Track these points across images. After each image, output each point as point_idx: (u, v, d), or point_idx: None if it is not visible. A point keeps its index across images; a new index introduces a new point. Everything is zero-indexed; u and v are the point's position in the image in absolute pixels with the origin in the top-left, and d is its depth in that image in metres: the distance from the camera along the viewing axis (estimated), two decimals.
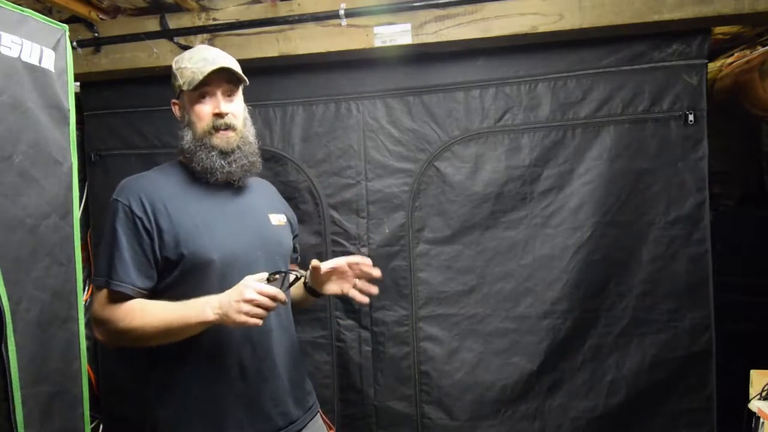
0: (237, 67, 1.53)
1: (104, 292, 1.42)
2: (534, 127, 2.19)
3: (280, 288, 1.34)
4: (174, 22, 2.26)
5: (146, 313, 1.38)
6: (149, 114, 2.49)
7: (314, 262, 1.51)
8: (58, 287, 1.68)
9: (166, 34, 2.26)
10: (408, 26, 2.09)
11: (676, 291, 2.09)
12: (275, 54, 2.20)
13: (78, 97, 2.36)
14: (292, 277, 1.47)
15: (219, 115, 1.47)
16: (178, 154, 1.57)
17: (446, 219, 2.25)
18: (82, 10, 2.24)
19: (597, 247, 2.13)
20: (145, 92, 2.49)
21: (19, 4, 1.58)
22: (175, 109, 1.58)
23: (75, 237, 1.76)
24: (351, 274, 1.55)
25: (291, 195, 2.37)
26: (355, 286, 1.55)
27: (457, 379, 2.22)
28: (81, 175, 1.86)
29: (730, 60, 2.39)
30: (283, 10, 2.18)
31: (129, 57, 2.31)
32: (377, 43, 2.11)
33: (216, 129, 1.47)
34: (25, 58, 1.57)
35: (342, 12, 2.10)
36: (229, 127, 1.48)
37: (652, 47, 2.09)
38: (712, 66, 2.40)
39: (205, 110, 1.47)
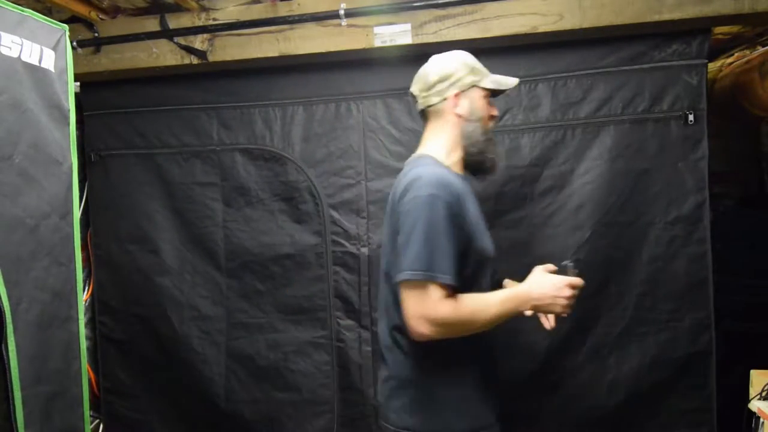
0: None
1: (426, 286, 1.34)
2: (534, 127, 2.19)
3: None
4: (174, 22, 2.26)
5: (478, 307, 1.41)
6: (149, 114, 2.50)
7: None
8: (58, 287, 1.69)
9: (166, 34, 2.26)
10: (408, 26, 2.09)
11: (676, 291, 2.09)
12: (275, 54, 2.20)
13: (78, 97, 2.36)
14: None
15: (495, 117, 1.61)
16: (448, 149, 1.55)
17: None
18: (82, 10, 2.24)
19: (597, 247, 2.13)
20: (145, 92, 2.49)
21: (19, 4, 1.58)
22: (458, 99, 1.53)
23: (75, 237, 1.76)
24: None
25: (291, 195, 2.38)
26: None
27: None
28: (81, 175, 1.86)
29: (730, 60, 2.39)
30: (283, 10, 2.18)
31: (129, 57, 2.31)
32: (377, 43, 2.11)
33: (490, 123, 1.59)
34: (25, 58, 1.57)
35: (342, 12, 2.10)
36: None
37: (652, 47, 2.09)
38: (712, 66, 2.40)
39: (495, 112, 1.61)
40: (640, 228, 2.11)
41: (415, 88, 1.60)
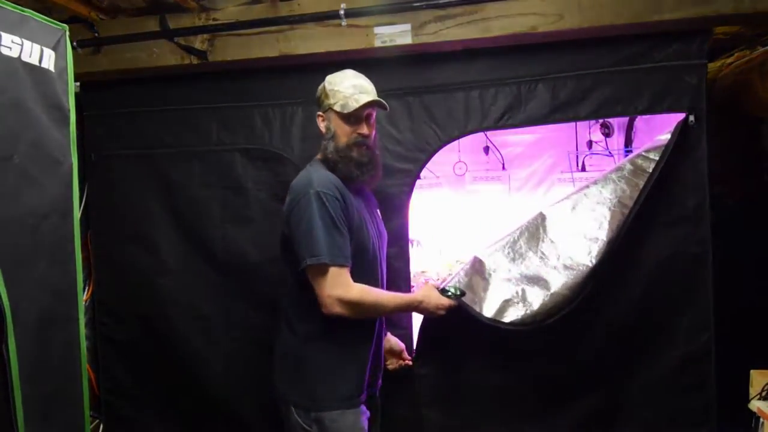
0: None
1: (334, 269, 1.61)
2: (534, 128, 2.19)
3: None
4: (174, 22, 2.26)
5: (379, 293, 1.74)
6: (149, 114, 2.50)
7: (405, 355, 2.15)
8: (58, 287, 1.69)
9: (166, 34, 2.27)
10: (408, 26, 2.09)
11: (676, 291, 2.09)
12: (275, 54, 2.21)
13: (78, 97, 2.36)
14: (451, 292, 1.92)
15: (361, 135, 1.77)
16: (321, 158, 1.79)
17: None
18: (82, 10, 2.24)
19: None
20: (145, 92, 2.49)
21: (19, 4, 1.58)
22: (319, 121, 1.82)
23: (75, 237, 1.76)
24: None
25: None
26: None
27: (457, 381, 2.22)
28: (81, 175, 1.85)
29: (730, 60, 2.38)
30: (283, 10, 2.18)
31: (129, 57, 2.32)
32: (377, 43, 2.12)
33: (356, 145, 1.76)
34: (25, 58, 1.57)
35: (342, 12, 2.10)
36: (365, 144, 1.78)
37: (652, 47, 2.09)
38: (712, 66, 2.40)
39: (350, 130, 1.76)
40: (640, 228, 2.11)
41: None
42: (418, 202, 2.48)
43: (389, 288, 1.93)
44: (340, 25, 2.13)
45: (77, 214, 1.78)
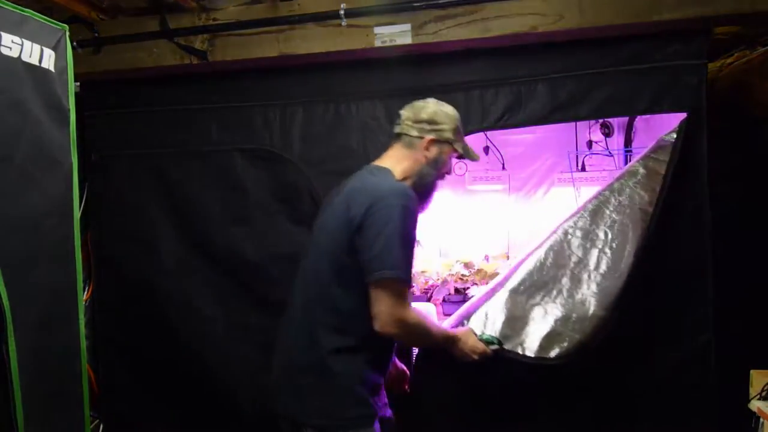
0: None
1: (404, 288, 1.52)
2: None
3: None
4: (174, 22, 2.26)
5: (430, 322, 1.68)
6: (149, 114, 2.50)
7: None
8: (58, 287, 1.69)
9: (166, 34, 2.27)
10: (408, 26, 2.09)
11: (676, 290, 2.08)
12: (275, 54, 2.21)
13: (78, 97, 2.36)
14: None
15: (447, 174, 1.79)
16: (406, 176, 1.68)
17: None
18: (83, 10, 2.24)
19: None
20: (145, 92, 2.49)
21: (19, 4, 1.58)
22: (428, 144, 1.68)
23: (75, 237, 1.76)
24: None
25: (290, 195, 2.38)
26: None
27: (455, 381, 2.21)
28: (81, 175, 1.85)
29: (730, 60, 2.38)
30: (283, 10, 2.18)
31: (129, 57, 2.32)
32: (377, 43, 2.12)
33: (441, 178, 1.76)
34: (25, 58, 1.57)
35: (342, 12, 2.10)
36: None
37: (652, 47, 2.09)
38: (712, 66, 2.40)
39: (448, 170, 1.77)
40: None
41: (404, 113, 1.72)
42: None
43: None
44: (340, 25, 2.13)
45: (77, 214, 1.78)
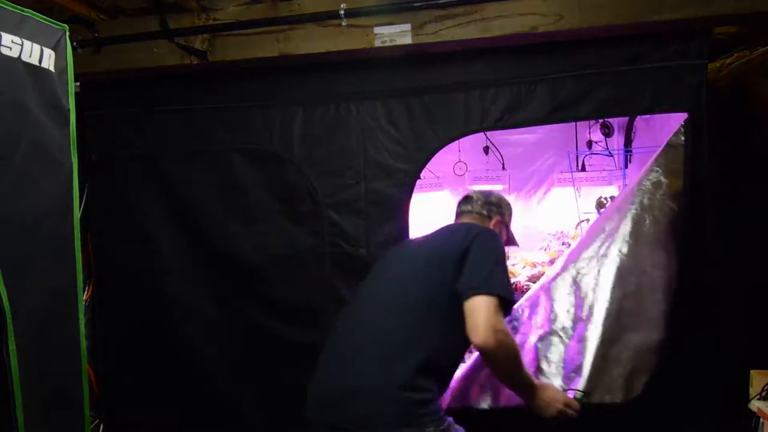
0: None
1: (504, 307, 1.56)
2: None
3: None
4: (174, 22, 2.26)
5: (521, 358, 1.68)
6: (149, 114, 2.50)
7: None
8: (58, 287, 1.69)
9: (167, 34, 2.26)
10: (408, 26, 2.09)
11: (676, 290, 2.08)
12: (275, 54, 2.21)
13: (78, 97, 2.37)
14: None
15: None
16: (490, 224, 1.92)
17: None
18: (83, 10, 2.24)
19: None
20: (145, 92, 2.50)
21: (19, 4, 1.58)
22: (498, 224, 1.95)
23: (75, 237, 1.76)
24: None
25: (290, 196, 2.38)
26: None
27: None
28: (81, 175, 1.85)
29: (730, 60, 2.38)
30: (283, 10, 2.18)
31: (129, 57, 2.32)
32: (377, 43, 2.12)
33: None
34: (25, 58, 1.57)
35: (342, 12, 2.10)
36: None
37: (652, 47, 2.09)
38: (712, 66, 2.40)
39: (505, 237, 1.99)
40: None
41: (477, 195, 2.00)
42: (418, 202, 2.48)
43: None
44: (340, 25, 2.13)
45: (77, 214, 1.78)
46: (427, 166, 2.39)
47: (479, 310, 1.51)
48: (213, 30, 2.23)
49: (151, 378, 2.54)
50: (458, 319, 1.54)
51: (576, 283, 2.03)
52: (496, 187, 3.53)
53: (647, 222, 2.02)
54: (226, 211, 2.43)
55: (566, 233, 3.37)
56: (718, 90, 2.30)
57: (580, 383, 1.84)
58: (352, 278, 2.32)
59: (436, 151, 2.29)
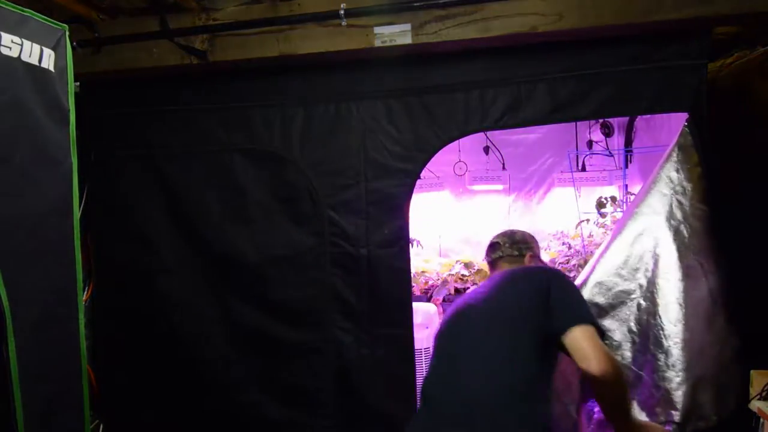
0: None
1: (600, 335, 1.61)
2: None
3: None
4: (174, 22, 2.26)
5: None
6: (149, 114, 2.50)
7: None
8: (58, 287, 1.69)
9: (166, 34, 2.26)
10: (408, 26, 2.09)
11: (728, 291, 2.07)
12: (275, 54, 2.20)
13: (78, 97, 2.37)
14: None
15: None
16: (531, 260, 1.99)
17: None
18: (83, 10, 2.24)
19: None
20: (145, 92, 2.50)
21: (19, 4, 1.58)
22: (532, 259, 1.99)
23: (75, 237, 1.76)
24: None
25: (290, 196, 2.38)
26: None
27: None
28: (81, 175, 1.85)
29: (730, 60, 2.38)
30: (283, 10, 2.18)
31: (129, 57, 2.31)
32: (377, 43, 2.11)
33: None
34: (25, 58, 1.57)
35: (342, 12, 2.10)
36: None
37: (652, 47, 2.09)
38: (712, 66, 2.40)
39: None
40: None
41: (501, 239, 2.04)
42: (418, 202, 2.48)
43: None
44: (340, 25, 2.12)
45: (77, 214, 1.78)
46: (427, 166, 2.39)
47: (586, 340, 1.56)
48: (213, 30, 2.23)
49: (151, 378, 2.54)
50: (550, 362, 1.64)
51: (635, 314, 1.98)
52: (496, 187, 3.53)
53: (686, 234, 1.98)
54: (227, 212, 2.43)
55: (566, 233, 3.37)
56: (718, 90, 2.30)
57: (675, 416, 1.80)
58: (353, 278, 2.32)
59: (436, 151, 2.29)
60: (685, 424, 1.79)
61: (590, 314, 1.63)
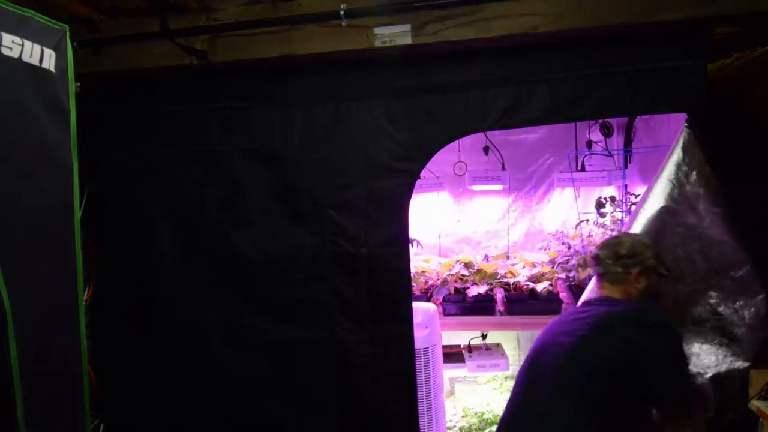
0: None
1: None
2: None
3: None
4: (175, 22, 2.26)
5: None
6: (150, 114, 2.50)
7: None
8: (58, 287, 1.69)
9: (167, 34, 2.26)
10: (408, 26, 2.09)
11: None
12: (275, 54, 2.21)
13: (78, 97, 2.36)
14: None
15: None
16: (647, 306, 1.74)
17: None
18: (83, 10, 2.24)
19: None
20: (145, 92, 2.50)
21: (19, 4, 1.58)
22: (640, 277, 1.74)
23: (75, 237, 1.76)
24: None
25: (290, 196, 2.38)
26: None
27: None
28: (81, 175, 1.85)
29: (730, 60, 2.38)
30: (283, 11, 2.18)
31: (130, 57, 2.32)
32: (377, 44, 2.12)
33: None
34: (25, 58, 1.58)
35: (342, 12, 2.10)
36: None
37: (652, 47, 2.09)
38: (712, 66, 2.40)
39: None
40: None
41: (603, 254, 1.79)
42: (418, 202, 2.48)
43: None
44: (340, 25, 2.13)
45: (78, 214, 1.78)
46: (426, 166, 2.39)
47: (684, 428, 1.53)
48: (213, 30, 2.23)
49: (151, 378, 2.54)
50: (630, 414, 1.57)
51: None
52: (496, 187, 3.54)
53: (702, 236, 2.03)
54: (227, 212, 2.43)
55: (566, 233, 3.37)
56: (718, 90, 2.30)
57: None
58: (353, 277, 2.32)
59: (436, 151, 2.29)
60: None
61: (687, 392, 1.55)
